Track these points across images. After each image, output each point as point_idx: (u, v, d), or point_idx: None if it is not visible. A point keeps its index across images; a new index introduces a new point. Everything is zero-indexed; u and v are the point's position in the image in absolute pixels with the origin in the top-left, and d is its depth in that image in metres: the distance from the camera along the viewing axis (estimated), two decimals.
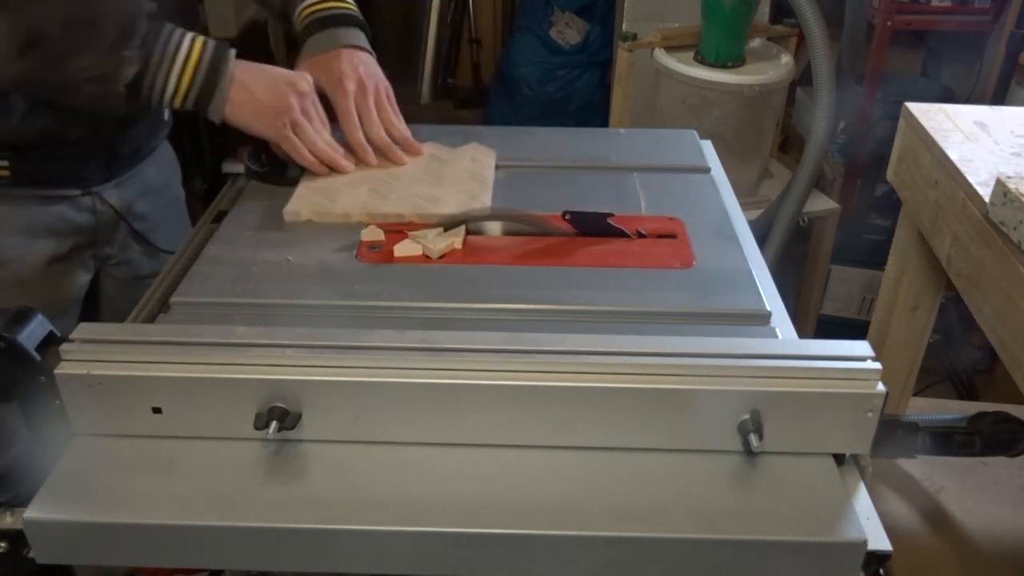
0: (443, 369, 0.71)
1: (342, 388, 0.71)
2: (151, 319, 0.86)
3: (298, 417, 0.71)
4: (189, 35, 0.99)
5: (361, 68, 1.13)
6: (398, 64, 4.35)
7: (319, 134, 1.07)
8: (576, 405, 0.71)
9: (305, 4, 1.17)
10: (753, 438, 0.70)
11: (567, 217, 1.00)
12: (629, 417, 0.71)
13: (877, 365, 0.71)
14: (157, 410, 0.72)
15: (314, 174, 1.08)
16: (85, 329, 0.74)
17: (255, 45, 3.38)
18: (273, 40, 3.63)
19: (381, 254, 0.95)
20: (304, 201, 1.03)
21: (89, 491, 0.69)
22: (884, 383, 0.71)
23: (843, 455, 0.74)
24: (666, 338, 0.76)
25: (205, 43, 0.99)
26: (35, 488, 0.68)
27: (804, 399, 0.70)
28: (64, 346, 0.72)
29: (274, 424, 0.70)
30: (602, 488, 0.70)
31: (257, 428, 0.70)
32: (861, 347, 0.73)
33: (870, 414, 0.71)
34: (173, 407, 0.72)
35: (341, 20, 1.16)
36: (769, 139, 2.38)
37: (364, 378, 0.71)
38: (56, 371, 0.70)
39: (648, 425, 0.72)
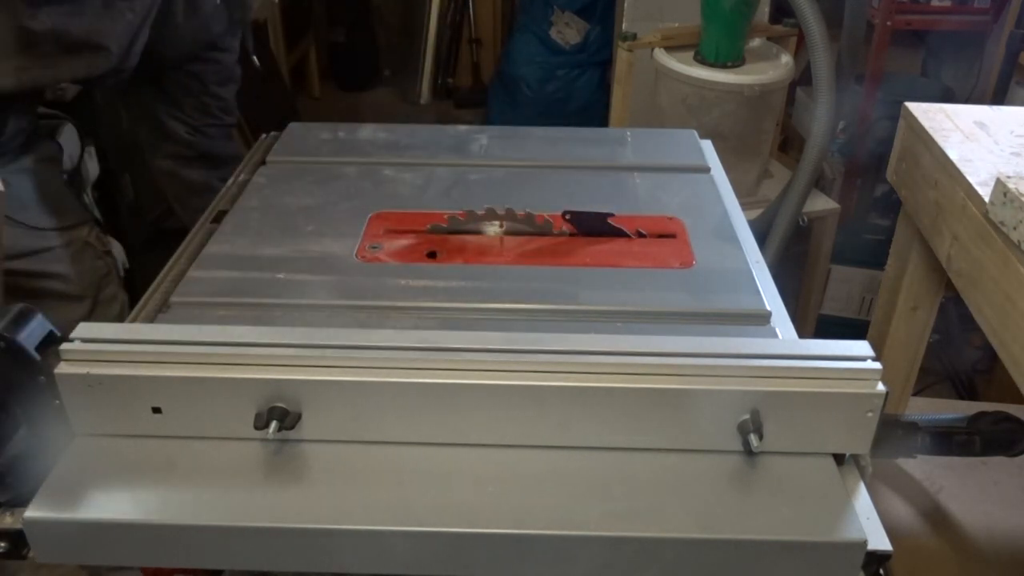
0: (443, 369, 0.71)
1: (342, 388, 0.71)
2: (151, 319, 0.86)
3: (298, 417, 0.71)
4: None
5: None
6: (398, 64, 4.35)
7: None
8: (576, 405, 0.71)
9: None
10: (753, 438, 0.70)
11: (567, 217, 1.00)
12: (630, 417, 0.71)
13: (877, 365, 0.71)
14: (157, 410, 0.72)
15: None
16: (85, 329, 0.74)
17: (255, 45, 3.37)
18: (273, 40, 3.63)
19: (382, 253, 0.95)
20: None
21: (89, 491, 0.69)
22: (884, 383, 0.71)
23: (843, 455, 0.74)
24: (666, 338, 0.76)
25: None
26: (35, 488, 0.68)
27: (804, 399, 0.70)
28: (64, 346, 0.72)
29: (274, 424, 0.70)
30: (602, 488, 0.70)
31: (257, 428, 0.70)
32: (861, 347, 0.73)
33: (870, 414, 0.71)
34: (173, 407, 0.72)
35: None
36: (769, 139, 2.38)
37: (364, 378, 0.71)
38: (56, 371, 0.70)
39: (649, 425, 0.72)
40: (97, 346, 0.72)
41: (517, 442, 0.73)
